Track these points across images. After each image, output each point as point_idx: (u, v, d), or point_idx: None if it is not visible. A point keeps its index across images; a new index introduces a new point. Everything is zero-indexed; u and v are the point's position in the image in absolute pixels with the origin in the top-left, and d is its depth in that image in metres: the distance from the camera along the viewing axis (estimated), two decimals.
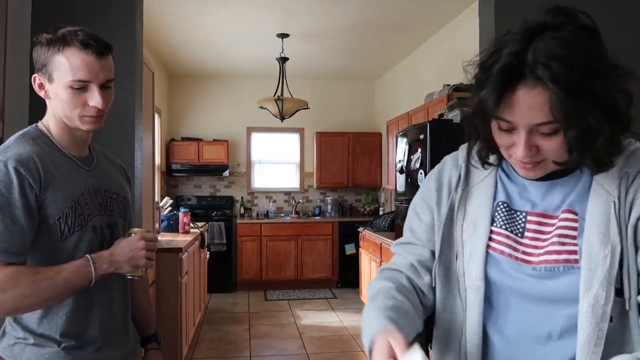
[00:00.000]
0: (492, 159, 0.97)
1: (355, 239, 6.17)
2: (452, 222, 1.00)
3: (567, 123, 0.78)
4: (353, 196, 7.41)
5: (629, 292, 0.83)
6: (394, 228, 4.17)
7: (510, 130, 0.84)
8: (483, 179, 0.99)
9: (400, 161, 3.75)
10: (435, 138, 3.18)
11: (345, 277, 6.59)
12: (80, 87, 1.17)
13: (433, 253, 1.03)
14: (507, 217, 0.95)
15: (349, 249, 6.55)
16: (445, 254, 1.00)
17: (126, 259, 1.21)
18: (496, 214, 0.96)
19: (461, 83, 4.18)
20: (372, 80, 7.37)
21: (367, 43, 5.44)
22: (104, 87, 1.21)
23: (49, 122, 1.25)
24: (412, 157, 3.48)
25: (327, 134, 7.06)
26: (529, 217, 0.93)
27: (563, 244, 0.87)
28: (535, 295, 0.89)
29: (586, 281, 0.83)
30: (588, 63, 0.77)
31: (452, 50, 4.73)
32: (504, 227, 0.94)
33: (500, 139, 0.87)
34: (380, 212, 6.66)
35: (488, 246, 0.94)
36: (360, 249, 5.73)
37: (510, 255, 0.92)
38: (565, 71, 0.75)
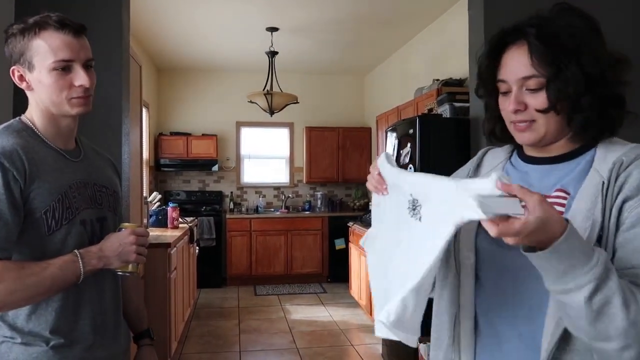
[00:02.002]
0: (498, 132, 1.06)
1: (345, 234, 6.18)
2: None
3: (550, 76, 0.90)
4: (343, 191, 7.41)
5: None
6: None
7: (507, 92, 0.96)
8: (493, 168, 1.07)
9: None
10: (425, 133, 3.18)
11: (335, 272, 6.60)
12: (63, 68, 1.15)
13: None
14: None
15: (339, 243, 6.55)
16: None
17: (116, 254, 1.18)
18: None
19: (450, 78, 4.18)
20: (362, 75, 7.36)
21: (357, 37, 5.43)
22: (86, 67, 1.19)
23: (33, 115, 1.22)
24: (401, 151, 3.48)
25: (317, 128, 7.04)
26: None
27: None
28: (519, 265, 0.89)
29: None
30: (572, 31, 0.90)
31: (441, 45, 4.73)
32: None
33: (502, 102, 0.98)
34: (370, 207, 6.67)
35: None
36: (350, 243, 5.74)
37: None
38: (546, 30, 0.91)
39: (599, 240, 0.86)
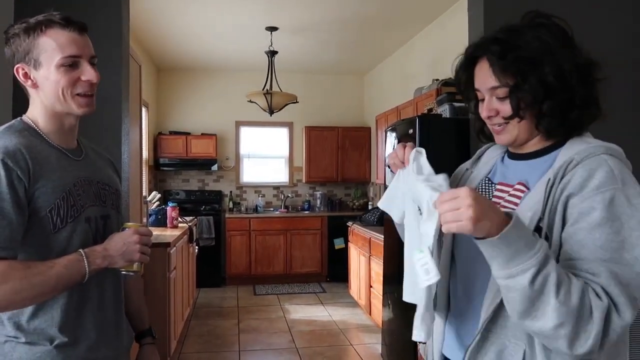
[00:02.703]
0: (486, 131, 1.19)
1: (344, 234, 6.18)
2: None
3: (510, 86, 1.02)
4: (342, 190, 7.41)
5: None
6: (383, 223, 4.17)
7: (482, 99, 1.09)
8: (484, 164, 1.23)
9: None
10: (424, 132, 3.18)
11: (334, 272, 6.60)
12: (71, 64, 1.17)
13: None
14: (485, 187, 1.18)
15: (338, 243, 6.56)
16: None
17: (120, 254, 1.18)
18: (480, 185, 1.19)
19: (450, 78, 4.17)
20: (362, 74, 7.36)
21: (357, 37, 5.43)
22: (91, 64, 1.22)
23: (35, 114, 1.23)
24: None
25: (317, 128, 7.04)
26: (497, 186, 1.15)
27: (504, 207, 1.06)
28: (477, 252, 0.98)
29: None
30: (534, 44, 1.01)
31: (441, 45, 4.73)
32: (480, 192, 1.12)
33: (480, 109, 1.11)
34: (369, 207, 6.67)
35: None
36: (349, 243, 5.74)
37: None
38: (506, 46, 1.02)
39: (538, 231, 0.96)
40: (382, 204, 1.23)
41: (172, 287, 3.69)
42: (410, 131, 3.30)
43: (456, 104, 3.48)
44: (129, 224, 1.26)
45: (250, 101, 5.42)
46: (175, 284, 3.81)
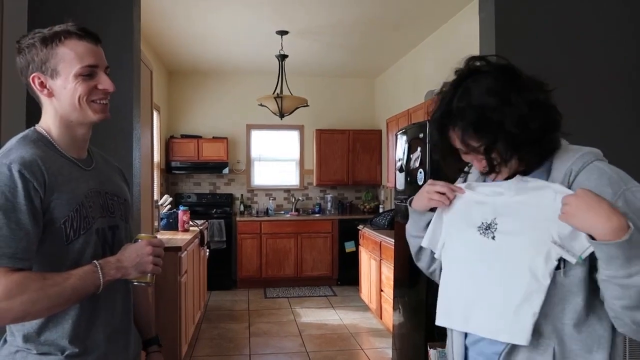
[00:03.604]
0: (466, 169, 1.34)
1: (355, 237, 6.16)
2: None
3: (481, 150, 1.11)
4: (353, 194, 7.40)
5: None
6: (394, 226, 4.16)
7: (467, 154, 1.18)
8: (478, 178, 1.31)
9: (399, 159, 3.74)
10: None
11: (345, 275, 6.59)
12: (88, 74, 1.20)
13: None
14: None
15: (349, 246, 6.54)
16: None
17: (133, 265, 1.20)
18: None
19: None
20: (373, 77, 7.35)
21: (367, 40, 5.42)
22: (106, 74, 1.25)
23: (49, 124, 1.24)
24: (411, 155, 3.47)
25: (327, 131, 7.04)
26: None
27: None
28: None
29: None
30: (488, 103, 1.08)
31: (452, 48, 4.71)
32: None
33: (470, 160, 1.21)
34: (380, 210, 6.65)
35: None
36: (360, 246, 5.72)
37: None
38: (466, 116, 1.09)
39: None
40: (426, 243, 1.32)
41: (183, 291, 3.70)
42: (421, 135, 3.28)
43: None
44: (142, 235, 1.28)
45: (261, 105, 5.43)
46: (186, 287, 3.83)
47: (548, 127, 1.10)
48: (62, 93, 1.19)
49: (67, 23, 1.21)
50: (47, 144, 1.21)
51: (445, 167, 1.27)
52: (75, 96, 1.19)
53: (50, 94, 1.20)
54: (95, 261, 1.15)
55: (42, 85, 1.20)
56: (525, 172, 1.16)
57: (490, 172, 1.15)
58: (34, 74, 1.19)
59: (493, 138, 1.08)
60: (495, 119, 1.07)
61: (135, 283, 1.26)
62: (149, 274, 1.24)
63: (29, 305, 1.07)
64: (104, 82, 1.22)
